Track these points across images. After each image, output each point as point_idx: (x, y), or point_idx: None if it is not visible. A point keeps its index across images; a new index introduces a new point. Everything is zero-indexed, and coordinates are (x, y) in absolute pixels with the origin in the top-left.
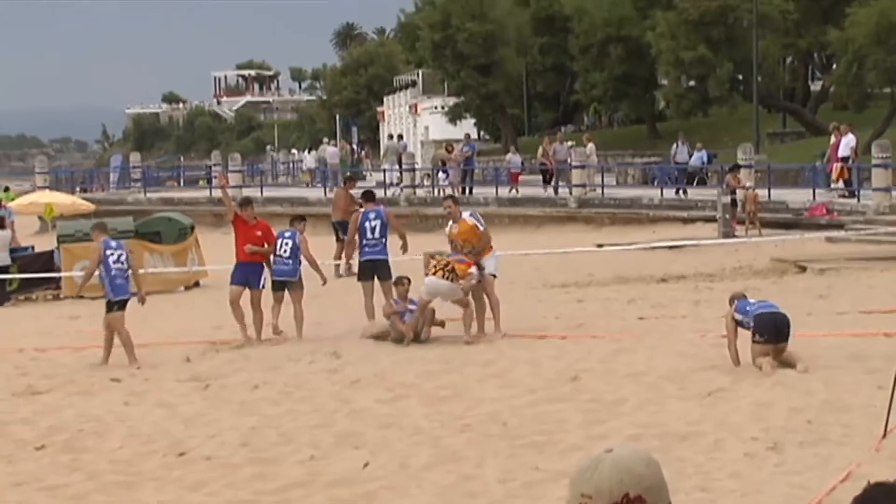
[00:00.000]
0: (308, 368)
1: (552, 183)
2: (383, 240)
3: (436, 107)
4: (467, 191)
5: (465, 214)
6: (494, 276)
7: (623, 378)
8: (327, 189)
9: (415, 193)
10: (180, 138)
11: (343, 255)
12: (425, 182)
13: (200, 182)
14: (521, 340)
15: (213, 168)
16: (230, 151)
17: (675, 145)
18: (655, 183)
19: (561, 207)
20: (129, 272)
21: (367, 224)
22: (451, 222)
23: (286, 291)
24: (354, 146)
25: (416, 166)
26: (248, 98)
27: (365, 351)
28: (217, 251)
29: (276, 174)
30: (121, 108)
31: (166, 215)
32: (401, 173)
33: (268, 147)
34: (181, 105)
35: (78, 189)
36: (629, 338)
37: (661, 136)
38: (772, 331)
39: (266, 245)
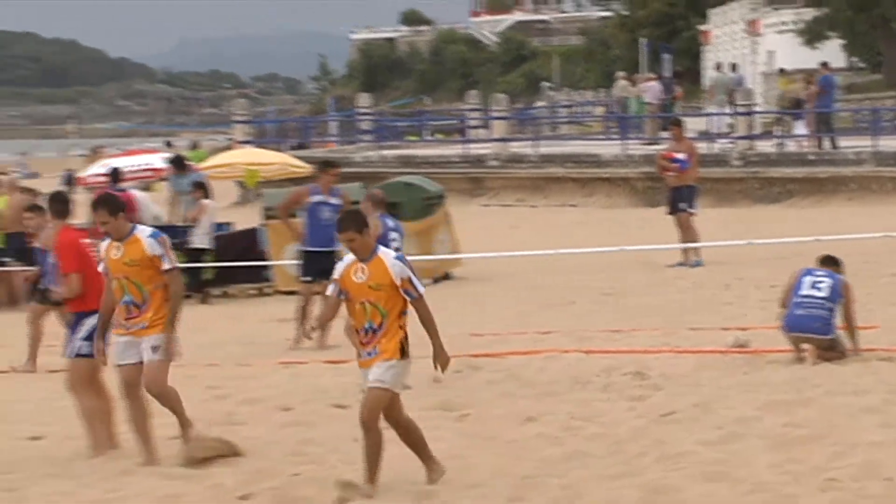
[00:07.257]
0: (601, 395)
1: None
2: None
3: (784, 22)
4: (829, 143)
5: (144, 233)
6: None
7: None
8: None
9: (753, 148)
10: (425, 74)
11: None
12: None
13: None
14: None
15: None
16: (493, 91)
17: None
18: None
19: None
20: None
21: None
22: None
23: None
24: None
25: (757, 108)
26: (516, 16)
27: (681, 370)
28: (474, 230)
29: (556, 122)
30: (344, 34)
31: (406, 180)
32: (734, 118)
33: (544, 84)
34: (426, 28)
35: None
36: None
37: None
38: None
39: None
